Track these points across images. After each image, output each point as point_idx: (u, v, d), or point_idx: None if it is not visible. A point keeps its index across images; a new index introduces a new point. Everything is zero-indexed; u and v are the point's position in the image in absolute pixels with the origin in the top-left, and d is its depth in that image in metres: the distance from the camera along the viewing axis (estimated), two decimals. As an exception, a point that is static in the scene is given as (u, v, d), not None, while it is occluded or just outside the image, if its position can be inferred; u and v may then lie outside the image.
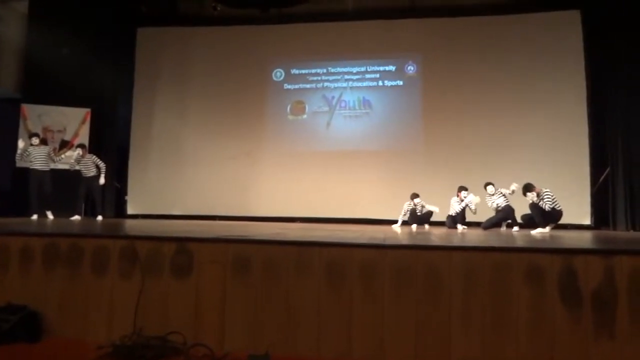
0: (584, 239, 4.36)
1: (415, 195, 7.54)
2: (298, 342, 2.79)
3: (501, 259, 2.68)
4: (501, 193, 6.97)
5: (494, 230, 6.55)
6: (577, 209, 8.09)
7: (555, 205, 6.24)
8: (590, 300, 2.55)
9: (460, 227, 7.06)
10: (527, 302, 2.60)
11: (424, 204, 7.49)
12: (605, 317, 2.52)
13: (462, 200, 7.19)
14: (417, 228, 7.00)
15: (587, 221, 8.10)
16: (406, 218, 7.52)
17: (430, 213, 7.41)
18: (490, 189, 7.09)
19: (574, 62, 8.44)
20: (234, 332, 2.87)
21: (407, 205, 7.53)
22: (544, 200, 6.18)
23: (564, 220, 7.86)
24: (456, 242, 3.57)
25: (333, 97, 9.49)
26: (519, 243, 3.47)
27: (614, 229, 7.56)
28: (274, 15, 9.38)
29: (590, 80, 8.35)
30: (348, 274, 2.79)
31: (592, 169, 8.17)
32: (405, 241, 3.50)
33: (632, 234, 6.65)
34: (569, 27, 8.54)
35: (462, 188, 7.27)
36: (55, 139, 8.84)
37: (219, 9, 9.38)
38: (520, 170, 7.82)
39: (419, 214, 7.49)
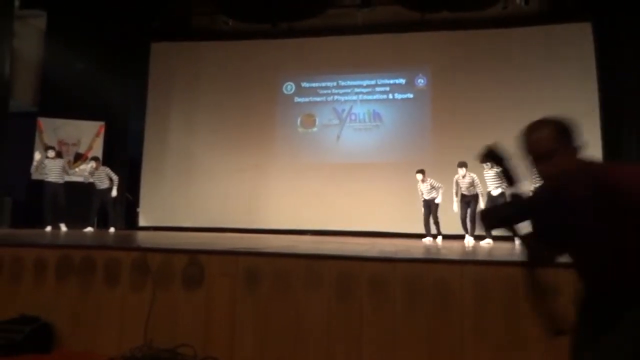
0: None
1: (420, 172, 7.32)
2: (308, 355, 2.77)
3: (514, 273, 2.64)
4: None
5: (506, 244, 6.45)
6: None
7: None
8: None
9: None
10: (541, 317, 2.55)
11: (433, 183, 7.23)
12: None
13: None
14: (432, 242, 6.87)
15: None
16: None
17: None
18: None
19: (586, 75, 8.38)
20: (244, 344, 2.86)
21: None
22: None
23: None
24: (468, 255, 3.54)
25: (343, 110, 9.53)
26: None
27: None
28: (284, 29, 9.50)
29: (602, 92, 8.28)
30: (358, 288, 2.78)
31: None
32: (416, 254, 3.47)
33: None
34: (580, 40, 8.50)
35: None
36: (69, 152, 8.99)
37: (230, 23, 9.53)
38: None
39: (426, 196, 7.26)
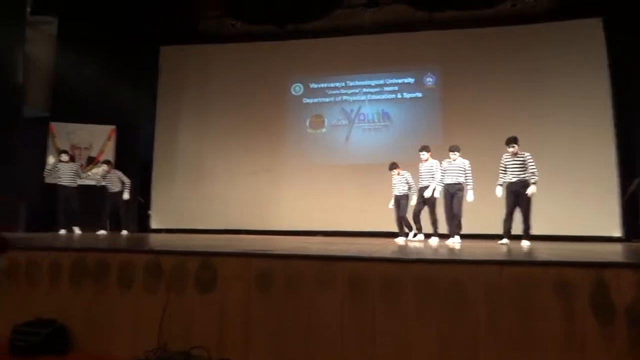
0: (615, 252, 4.22)
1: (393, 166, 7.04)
2: (321, 357, 2.77)
3: (529, 273, 2.61)
4: None
5: (520, 243, 6.38)
6: (606, 221, 7.85)
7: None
8: (625, 315, 2.45)
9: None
10: (557, 317, 2.52)
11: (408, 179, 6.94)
12: (640, 333, 2.42)
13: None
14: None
15: (617, 233, 7.84)
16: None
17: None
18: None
19: (598, 71, 8.27)
20: (257, 347, 2.86)
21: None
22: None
23: (593, 232, 7.69)
24: (481, 255, 3.50)
25: (352, 111, 9.51)
26: (547, 257, 3.38)
27: (646, 240, 7.31)
28: (291, 30, 9.52)
29: (614, 87, 8.16)
30: (371, 289, 2.77)
31: (621, 179, 7.94)
32: (428, 255, 3.45)
33: (665, 245, 6.40)
34: (590, 36, 8.38)
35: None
36: (82, 156, 9.10)
37: (237, 25, 9.57)
38: (546, 182, 7.61)
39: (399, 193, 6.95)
